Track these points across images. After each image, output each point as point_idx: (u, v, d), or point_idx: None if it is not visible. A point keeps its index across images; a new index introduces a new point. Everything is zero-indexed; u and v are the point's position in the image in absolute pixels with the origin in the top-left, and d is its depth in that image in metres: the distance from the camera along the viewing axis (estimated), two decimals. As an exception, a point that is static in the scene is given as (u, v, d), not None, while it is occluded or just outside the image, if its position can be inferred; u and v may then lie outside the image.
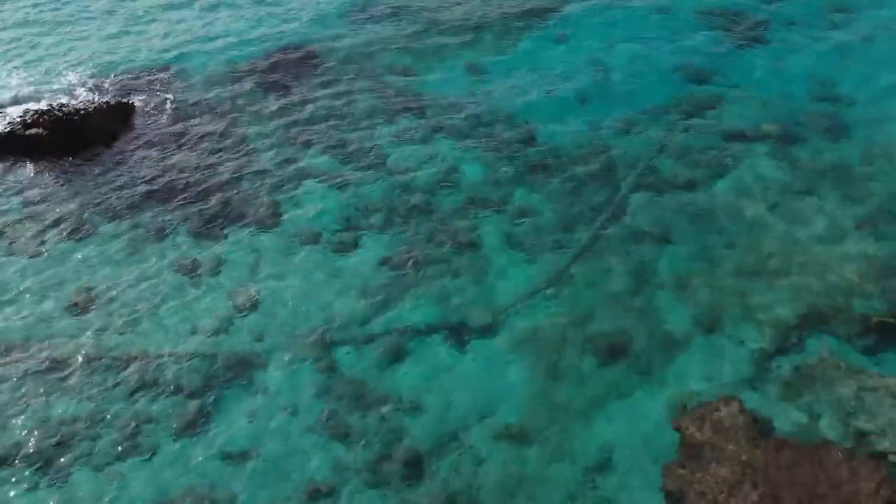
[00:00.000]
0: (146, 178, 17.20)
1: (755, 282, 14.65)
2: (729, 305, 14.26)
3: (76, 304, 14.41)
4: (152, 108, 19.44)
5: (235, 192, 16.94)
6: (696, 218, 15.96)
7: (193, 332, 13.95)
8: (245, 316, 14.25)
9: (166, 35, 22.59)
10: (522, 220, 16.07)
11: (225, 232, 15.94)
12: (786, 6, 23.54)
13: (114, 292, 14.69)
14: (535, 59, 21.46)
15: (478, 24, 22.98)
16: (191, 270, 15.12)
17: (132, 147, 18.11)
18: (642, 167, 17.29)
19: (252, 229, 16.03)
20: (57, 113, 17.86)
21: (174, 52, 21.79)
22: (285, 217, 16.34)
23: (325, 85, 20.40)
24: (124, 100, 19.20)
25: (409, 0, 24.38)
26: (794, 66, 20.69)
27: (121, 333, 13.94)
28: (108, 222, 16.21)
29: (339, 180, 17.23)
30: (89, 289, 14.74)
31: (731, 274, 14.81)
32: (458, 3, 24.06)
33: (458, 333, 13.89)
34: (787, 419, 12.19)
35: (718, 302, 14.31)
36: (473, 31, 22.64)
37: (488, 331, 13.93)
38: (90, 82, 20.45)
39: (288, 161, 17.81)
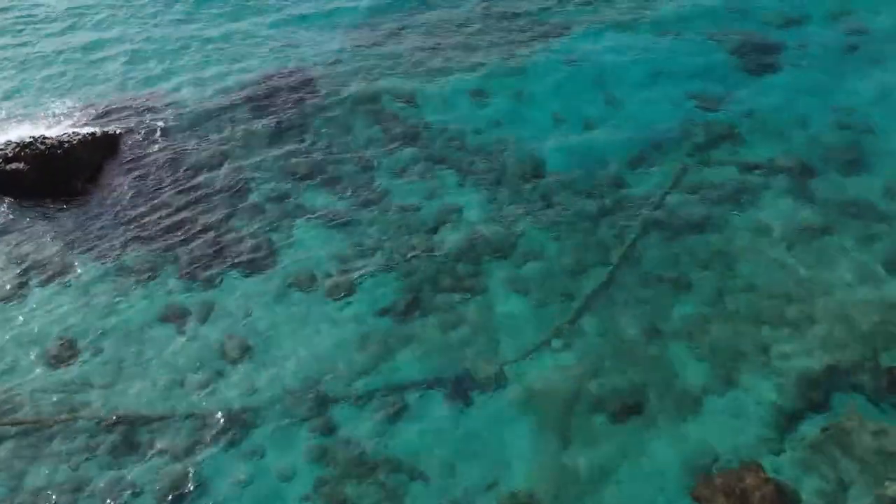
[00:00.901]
0: (133, 216, 16.62)
1: (775, 330, 14.09)
2: (748, 356, 13.70)
3: (56, 357, 13.82)
4: (141, 139, 18.85)
5: (227, 230, 16.36)
6: (711, 260, 15.39)
7: (181, 387, 13.37)
8: (236, 369, 13.67)
9: (156, 60, 21.98)
10: (529, 262, 15.50)
11: (216, 275, 15.36)
12: (799, 28, 22.94)
13: (97, 343, 14.11)
14: (542, 83, 20.86)
15: (482, 47, 22.39)
16: (179, 318, 14.54)
17: (119, 181, 17.53)
18: (654, 203, 16.72)
19: (244, 272, 15.45)
20: (39, 146, 17.27)
21: (164, 78, 21.18)
22: (279, 258, 15.77)
23: (321, 112, 19.81)
24: (111, 130, 18.61)
25: (411, 21, 23.76)
26: (811, 92, 20.10)
27: (103, 389, 13.36)
28: (92, 264, 15.62)
29: (336, 218, 16.65)
30: (71, 339, 14.14)
31: (750, 321, 14.25)
32: (462, 25, 23.45)
33: (462, 388, 13.32)
34: (814, 488, 11.61)
35: (737, 352, 13.75)
36: (478, 54, 22.04)
37: (494, 386, 13.36)
38: (76, 111, 19.86)
39: (282, 196, 17.23)
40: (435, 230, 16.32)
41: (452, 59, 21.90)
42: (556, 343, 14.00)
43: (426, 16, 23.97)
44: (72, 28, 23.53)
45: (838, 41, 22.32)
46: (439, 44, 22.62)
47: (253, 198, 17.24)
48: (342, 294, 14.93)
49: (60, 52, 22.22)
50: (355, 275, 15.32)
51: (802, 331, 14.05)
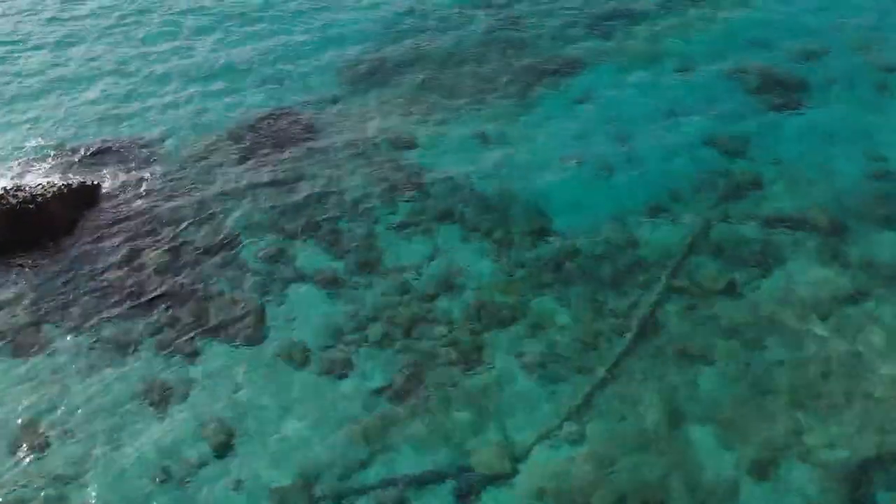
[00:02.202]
0: (111, 279, 15.72)
1: (810, 413, 13.17)
2: (780, 444, 12.77)
3: (22, 443, 12.90)
4: (121, 189, 17.98)
5: (213, 295, 15.46)
6: (737, 331, 14.48)
7: (160, 480, 12.43)
8: (219, 458, 12.73)
9: (140, 99, 21.09)
10: (539, 334, 14.59)
11: (199, 347, 14.45)
12: (823, 62, 22.12)
13: (68, 426, 13.17)
14: (552, 126, 20.01)
15: (488, 85, 21.52)
16: (158, 397, 13.62)
17: (96, 238, 16.63)
18: (674, 266, 15.82)
19: (230, 344, 14.54)
20: (10, 199, 16.38)
21: (148, 119, 20.32)
22: (269, 328, 14.85)
23: (316, 159, 18.95)
24: (89, 180, 17.72)
25: (411, 56, 22.89)
26: (839, 135, 19.25)
27: (73, 482, 12.41)
28: (66, 335, 14.71)
29: (330, 281, 15.76)
30: (39, 423, 13.22)
31: (782, 403, 13.33)
32: (465, 61, 22.57)
33: (468, 482, 12.38)
34: None
35: (768, 439, 12.82)
36: (483, 93, 21.19)
37: (502, 479, 12.43)
38: (53, 155, 18.98)
39: (274, 256, 16.34)
40: (437, 296, 15.41)
41: (455, 98, 21.04)
42: (569, 428, 13.07)
43: (426, 50, 23.11)
44: (51, 65, 22.64)
45: (866, 77, 21.51)
46: (440, 81, 21.76)
47: (241, 257, 16.35)
48: (336, 370, 14.02)
49: (38, 90, 21.37)
50: (351, 347, 14.42)
51: (839, 413, 13.14)
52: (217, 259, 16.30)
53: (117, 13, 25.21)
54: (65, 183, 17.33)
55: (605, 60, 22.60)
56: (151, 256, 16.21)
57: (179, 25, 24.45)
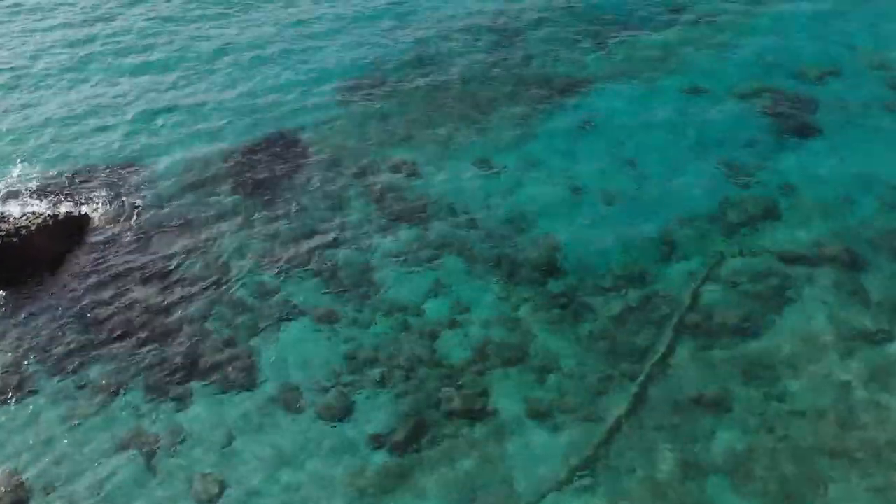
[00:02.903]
0: (97, 318, 15.15)
1: (831, 463, 12.62)
2: (801, 496, 12.22)
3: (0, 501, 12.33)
4: (110, 220, 17.42)
5: (204, 334, 14.90)
6: (753, 374, 13.93)
7: (144, 541, 11.88)
8: (209, 516, 12.17)
9: (130, 125, 20.53)
10: (546, 376, 14.03)
11: (189, 392, 13.89)
12: (837, 82, 21.61)
13: (50, 480, 12.59)
14: (556, 150, 19.48)
15: (491, 107, 20.99)
16: (145, 448, 13.04)
17: (83, 273, 16.07)
18: (686, 301, 15.27)
19: (222, 388, 13.97)
20: (-7, 232, 15.87)
21: (139, 146, 19.77)
22: (262, 370, 14.30)
23: (312, 186, 18.41)
24: (76, 211, 17.17)
25: (411, 77, 22.35)
26: (856, 161, 18.71)
27: (55, 542, 11.86)
28: (49, 379, 14.14)
29: (327, 319, 15.21)
30: (18, 475, 12.64)
31: (801, 451, 12.77)
32: (468, 81, 22.04)
33: (472, 543, 11.84)
34: None
35: (788, 494, 12.26)
36: (486, 116, 20.66)
37: (509, 539, 11.89)
38: (40, 184, 18.45)
39: (268, 292, 15.79)
40: (439, 334, 14.87)
41: (457, 122, 20.51)
42: (579, 481, 12.52)
43: (427, 70, 22.60)
44: (40, 88, 22.13)
45: (882, 98, 21.00)
46: (441, 104, 21.23)
47: (234, 293, 15.78)
48: (333, 417, 13.46)
49: (25, 117, 20.82)
50: (348, 392, 13.86)
51: (863, 463, 12.58)
52: (209, 294, 15.74)
53: (107, 41, 24.58)
54: (51, 214, 16.78)
55: (611, 81, 22.08)
56: (140, 292, 15.65)
57: (171, 53, 23.85)
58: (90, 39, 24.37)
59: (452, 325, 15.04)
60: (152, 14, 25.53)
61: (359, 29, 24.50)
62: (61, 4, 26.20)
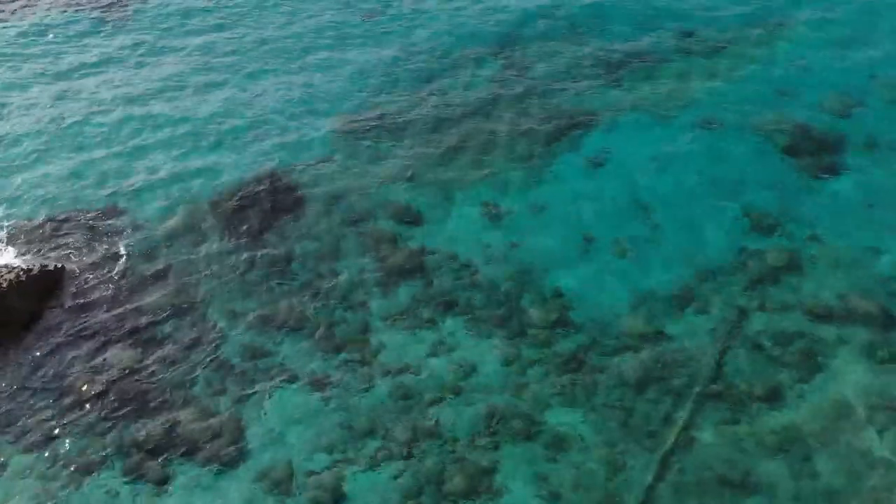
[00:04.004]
0: (72, 385, 14.41)
1: (870, 553, 11.87)
2: (838, 592, 11.47)
3: None
4: (89, 271, 16.69)
5: (188, 402, 14.15)
6: (783, 449, 13.16)
7: None
8: None
9: (114, 164, 19.75)
10: (558, 453, 13.26)
11: (170, 472, 13.13)
12: (862, 118, 20.82)
13: (17, 572, 11.84)
14: (566, 194, 18.73)
15: (495, 144, 20.24)
16: (122, 535, 12.29)
17: (58, 333, 15.33)
18: (707, 367, 14.51)
19: (205, 465, 13.22)
20: (-39, 290, 15.11)
21: (123, 188, 19.03)
22: (250, 444, 13.54)
23: (305, 234, 17.66)
24: (52, 264, 16.41)
25: (411, 111, 21.58)
26: (883, 205, 17.98)
27: None
28: (19, 453, 13.38)
29: (320, 385, 14.48)
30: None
31: (836, 537, 12.04)
32: (470, 116, 21.27)
33: None
34: None
35: (823, 585, 11.52)
36: (490, 154, 19.93)
37: None
38: (14, 232, 17.68)
39: (257, 353, 15.06)
40: (441, 401, 14.12)
41: (460, 161, 19.77)
42: (595, 574, 11.76)
43: (428, 103, 21.85)
44: (13, 126, 21.35)
45: (908, 133, 20.30)
46: (444, 141, 20.48)
47: (221, 355, 15.04)
48: (326, 499, 12.67)
49: None
50: (343, 469, 13.09)
51: (904, 553, 11.84)
52: (194, 356, 14.99)
53: (86, 75, 23.72)
54: (24, 268, 16.05)
55: (621, 116, 21.34)
56: (119, 354, 14.90)
57: (155, 88, 22.98)
58: (66, 74, 23.55)
59: (455, 391, 14.29)
60: (133, 46, 24.71)
61: (355, 60, 23.74)
62: (35, 38, 25.39)
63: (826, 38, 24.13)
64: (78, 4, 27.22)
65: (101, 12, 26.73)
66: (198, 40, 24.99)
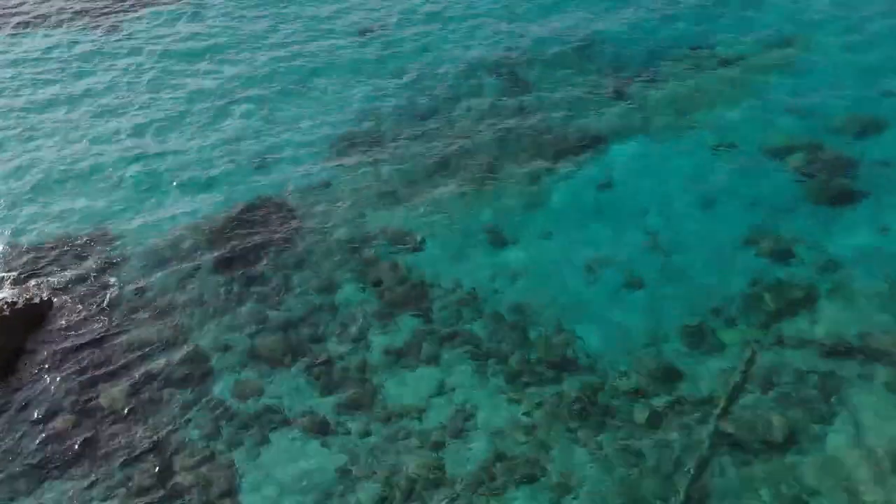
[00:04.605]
0: (58, 428, 13.98)
1: None
2: None
3: None
4: (76, 305, 16.28)
5: (177, 448, 13.73)
6: (801, 500, 12.72)
7: None
8: None
9: (102, 189, 19.35)
10: (565, 498, 12.83)
11: (160, 522, 12.72)
12: (881, 139, 20.23)
13: None
14: (571, 218, 18.34)
15: (499, 167, 19.82)
16: (108, 593, 11.88)
17: (43, 372, 14.91)
18: (721, 408, 14.08)
19: (197, 518, 12.81)
20: (-60, 326, 14.72)
21: (109, 214, 18.59)
22: (243, 492, 13.11)
23: (301, 263, 17.27)
24: (37, 297, 16.02)
25: (411, 132, 21.19)
26: (904, 235, 17.59)
27: None
28: (2, 502, 12.96)
29: (318, 426, 14.07)
30: None
31: None
32: (475, 136, 20.82)
33: None
34: None
35: None
36: (493, 177, 19.51)
37: None
38: (-5, 263, 17.35)
39: (251, 392, 14.66)
40: (443, 445, 13.71)
41: (462, 183, 19.36)
42: None
43: (428, 124, 21.43)
44: None
45: (931, 155, 19.86)
46: (445, 161, 20.07)
47: (214, 394, 14.64)
48: (324, 556, 12.30)
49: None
50: (341, 521, 12.70)
51: None
52: (185, 397, 14.59)
53: (71, 99, 23.26)
54: (7, 301, 15.63)
55: (629, 135, 20.94)
56: (107, 396, 14.49)
57: (144, 110, 22.54)
58: (50, 104, 23.03)
59: (458, 433, 13.88)
60: (121, 70, 24.26)
61: (352, 79, 23.37)
62: (16, 63, 25.04)
63: (840, 55, 23.70)
64: (71, 28, 26.93)
65: (95, 37, 26.38)
66: (186, 69, 24.49)
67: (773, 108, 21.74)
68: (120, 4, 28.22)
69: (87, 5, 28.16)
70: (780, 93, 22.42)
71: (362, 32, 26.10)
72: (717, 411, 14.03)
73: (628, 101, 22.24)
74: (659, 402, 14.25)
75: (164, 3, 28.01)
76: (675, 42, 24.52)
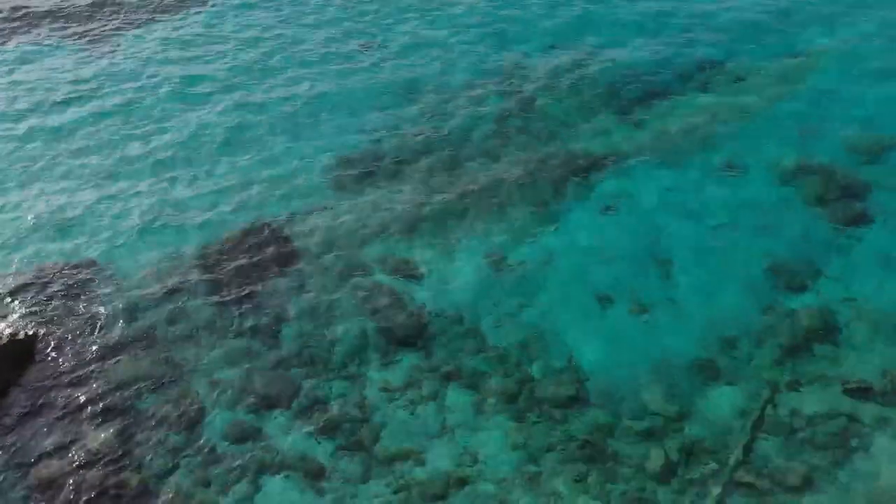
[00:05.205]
0: (40, 476, 13.37)
1: None
2: None
3: None
4: (62, 340, 15.78)
5: (168, 493, 13.23)
6: (820, 549, 12.33)
7: None
8: None
9: (90, 217, 18.82)
10: (574, 554, 12.43)
11: (148, 578, 12.26)
12: (893, 163, 20.01)
13: None
14: (577, 244, 17.91)
15: (502, 190, 19.33)
16: None
17: (28, 415, 14.38)
18: (736, 454, 13.63)
19: (187, 574, 12.35)
20: (-79, 365, 14.25)
21: (100, 242, 18.03)
22: (236, 545, 12.69)
23: (298, 292, 16.81)
24: (23, 332, 15.52)
25: (412, 154, 20.69)
26: (924, 260, 17.15)
27: None
28: (-20, 556, 12.53)
29: (314, 472, 13.57)
30: None
31: None
32: (477, 158, 20.35)
33: None
34: None
35: None
36: (496, 200, 19.03)
37: None
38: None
39: (243, 436, 14.14)
40: (445, 496, 13.22)
41: (464, 207, 18.89)
42: None
43: (430, 146, 20.93)
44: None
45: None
46: (447, 184, 19.63)
47: (205, 436, 14.14)
48: None
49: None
50: (338, 578, 12.24)
51: None
52: (176, 439, 14.10)
53: (62, 123, 22.64)
54: (-9, 337, 15.19)
55: (636, 156, 20.52)
56: (94, 438, 13.99)
57: (136, 133, 21.99)
58: (39, 131, 22.33)
59: (460, 482, 13.38)
60: (112, 95, 23.78)
61: (352, 99, 22.93)
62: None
63: (853, 72, 23.41)
64: (63, 37, 26.52)
65: (84, 44, 25.96)
66: (180, 95, 23.90)
67: (785, 128, 21.40)
68: (103, 29, 27.74)
69: (78, 29, 27.70)
70: (792, 112, 22.08)
71: (361, 44, 25.80)
72: (731, 458, 13.57)
73: (635, 121, 21.85)
74: (671, 446, 13.77)
75: (156, 29, 27.54)
76: (684, 61, 24.12)
